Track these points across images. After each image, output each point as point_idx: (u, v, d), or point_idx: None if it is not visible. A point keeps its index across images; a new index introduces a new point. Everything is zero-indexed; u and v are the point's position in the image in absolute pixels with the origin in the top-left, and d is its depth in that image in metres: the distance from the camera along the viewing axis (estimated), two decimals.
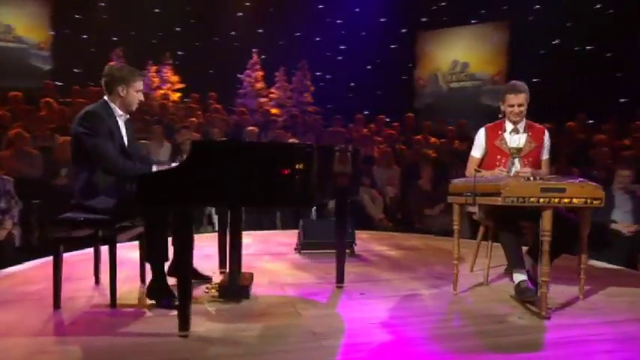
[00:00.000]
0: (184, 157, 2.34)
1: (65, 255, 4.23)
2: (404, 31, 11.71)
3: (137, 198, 2.33)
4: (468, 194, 2.96)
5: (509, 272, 3.42)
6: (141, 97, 3.00)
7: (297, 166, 2.33)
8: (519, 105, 3.32)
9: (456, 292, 3.18)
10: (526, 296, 2.93)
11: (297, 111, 10.13)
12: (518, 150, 3.41)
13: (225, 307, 2.84)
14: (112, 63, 3.04)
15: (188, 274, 2.41)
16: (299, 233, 4.43)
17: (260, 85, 10.26)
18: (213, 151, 2.32)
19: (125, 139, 3.01)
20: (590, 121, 8.49)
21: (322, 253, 4.24)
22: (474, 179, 2.95)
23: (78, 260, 4.03)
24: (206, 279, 3.35)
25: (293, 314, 2.76)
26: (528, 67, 10.04)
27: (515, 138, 3.42)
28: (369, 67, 12.12)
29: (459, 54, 10.85)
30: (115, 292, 2.82)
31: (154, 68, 11.54)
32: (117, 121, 2.96)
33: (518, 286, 3.01)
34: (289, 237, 4.80)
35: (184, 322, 2.40)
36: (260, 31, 12.44)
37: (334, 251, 4.06)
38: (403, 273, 3.73)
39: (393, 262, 4.12)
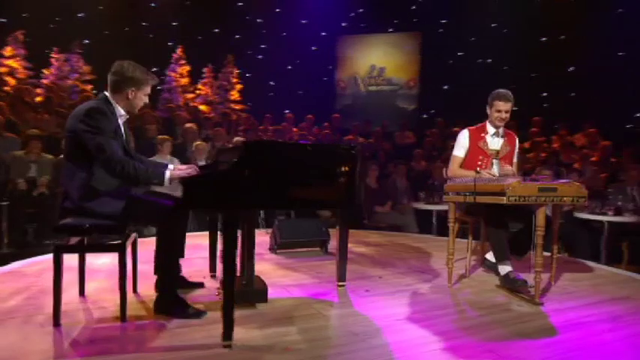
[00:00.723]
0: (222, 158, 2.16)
1: (19, 264, 3.76)
2: (324, 34, 11.86)
3: (184, 201, 2.12)
4: (467, 193, 3.12)
5: (490, 265, 3.68)
6: (147, 100, 2.72)
7: (344, 168, 2.29)
8: (506, 112, 3.55)
9: (451, 284, 3.34)
10: (517, 285, 3.17)
11: (223, 108, 9.79)
12: (497, 152, 3.66)
13: (246, 313, 2.69)
14: (122, 61, 2.66)
15: (233, 280, 2.25)
16: (273, 233, 4.33)
17: (185, 80, 9.72)
18: (267, 152, 2.19)
19: (124, 139, 2.71)
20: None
21: (298, 252, 4.19)
22: (474, 180, 3.11)
23: (41, 270, 3.57)
24: (197, 286, 3.14)
25: (317, 316, 2.70)
26: (438, 75, 10.79)
27: (495, 141, 3.67)
28: (289, 67, 12.09)
29: (377, 59, 11.27)
30: (126, 305, 2.54)
31: (59, 56, 10.41)
32: (118, 121, 2.65)
33: (508, 277, 3.25)
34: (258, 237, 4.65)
35: (229, 331, 2.24)
36: (175, 23, 11.83)
37: (309, 250, 4.05)
38: (387, 269, 3.82)
39: (369, 258, 4.20)
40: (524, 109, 10.09)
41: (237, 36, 12.14)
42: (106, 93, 2.67)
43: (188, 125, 7.18)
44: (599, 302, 3.04)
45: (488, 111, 3.66)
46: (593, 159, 6.97)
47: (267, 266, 3.79)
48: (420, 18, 11.05)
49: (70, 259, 3.81)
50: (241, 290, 2.83)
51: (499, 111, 3.56)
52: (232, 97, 10.09)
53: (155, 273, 2.64)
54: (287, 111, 9.87)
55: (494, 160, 3.65)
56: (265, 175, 2.15)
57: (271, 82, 12.02)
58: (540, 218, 2.94)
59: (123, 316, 2.52)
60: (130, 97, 2.61)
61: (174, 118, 8.03)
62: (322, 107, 10.87)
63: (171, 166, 2.67)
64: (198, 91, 9.93)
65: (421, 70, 11.04)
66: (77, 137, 2.50)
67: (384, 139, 8.84)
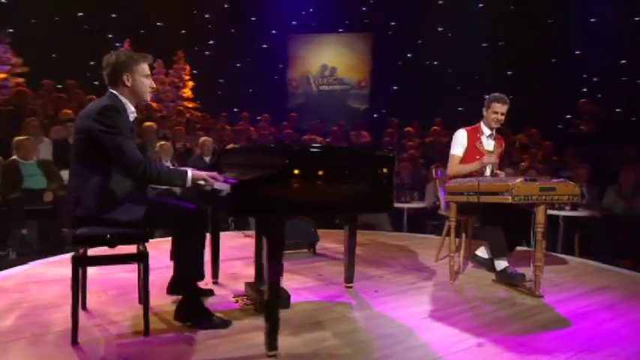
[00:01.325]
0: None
1: None
2: (274, 32, 11.73)
3: (230, 207, 2.02)
4: (471, 193, 3.23)
5: (481, 261, 3.84)
6: (151, 83, 2.55)
7: (384, 171, 2.29)
8: (502, 114, 3.71)
9: (452, 281, 3.44)
10: (515, 280, 3.34)
11: (175, 106, 9.40)
12: (491, 153, 3.81)
13: None
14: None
15: (278, 288, 2.18)
16: None
17: None
18: (315, 156, 2.14)
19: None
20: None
21: (286, 254, 4.14)
22: (478, 180, 3.23)
23: (22, 284, 3.26)
24: (207, 294, 3.02)
25: (343, 319, 2.67)
26: (388, 76, 11.06)
27: (490, 142, 3.82)
28: (238, 65, 11.84)
29: (328, 59, 11.33)
30: (148, 318, 2.37)
31: None
32: (129, 119, 2.47)
33: (505, 271, 3.41)
34: (236, 239, 4.55)
35: (273, 341, 2.16)
36: (114, 15, 11.20)
37: (297, 252, 4.02)
38: (383, 268, 3.86)
39: (360, 258, 4.19)
40: (471, 110, 10.70)
41: (183, 31, 11.71)
42: (111, 90, 2.48)
43: (147, 124, 6.83)
44: (588, 292, 3.27)
45: (484, 112, 3.80)
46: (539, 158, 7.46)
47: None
48: (371, 19, 11.25)
49: (57, 270, 3.55)
50: (263, 297, 2.73)
51: (496, 112, 3.71)
52: (184, 95, 9.69)
53: (174, 282, 2.50)
54: (236, 109, 9.67)
55: (489, 155, 3.80)
56: (316, 179, 2.10)
57: (220, 80, 11.72)
58: (540, 216, 3.12)
59: (146, 330, 2.36)
60: (127, 83, 2.42)
61: None
62: (274, 106, 10.76)
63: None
64: None
65: (372, 71, 11.24)
66: (91, 138, 2.30)
67: (341, 139, 8.91)
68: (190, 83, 9.82)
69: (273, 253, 2.11)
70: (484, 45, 10.97)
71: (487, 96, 3.83)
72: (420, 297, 3.10)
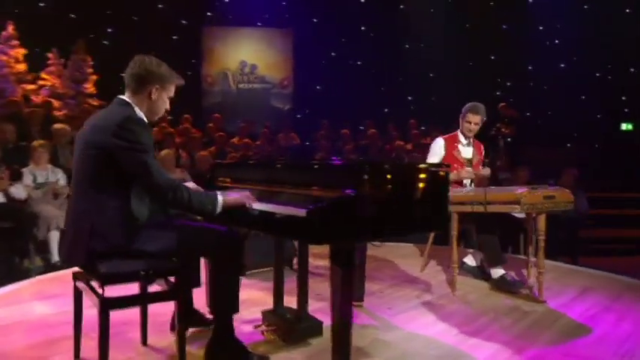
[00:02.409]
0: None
1: None
2: (185, 22, 11.21)
3: (315, 235, 1.91)
4: (477, 203, 3.40)
5: (469, 269, 4.05)
6: (168, 105, 2.35)
7: (442, 186, 2.34)
8: (475, 123, 3.95)
9: (454, 292, 3.60)
10: (515, 287, 3.59)
11: (76, 104, 8.55)
12: (469, 160, 4.04)
13: (311, 351, 2.53)
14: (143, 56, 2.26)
15: (351, 317, 2.11)
16: None
17: (22, 66, 8.16)
18: (389, 173, 2.10)
19: None
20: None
21: (262, 272, 4.03)
22: (485, 190, 3.41)
23: None
24: (206, 323, 2.82)
25: (381, 343, 2.68)
26: (312, 75, 11.16)
27: (467, 150, 4.05)
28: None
29: (247, 55, 11.10)
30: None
31: None
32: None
33: (503, 279, 3.65)
34: None
35: None
36: None
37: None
38: (375, 282, 3.91)
39: None
40: (395, 111, 11.22)
41: (72, 15, 10.70)
42: (123, 97, 2.23)
43: (59, 126, 6.15)
44: (579, 295, 3.62)
45: (460, 121, 4.02)
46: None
47: (255, 293, 3.54)
48: (291, 15, 11.25)
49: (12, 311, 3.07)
50: (294, 327, 2.63)
51: (469, 122, 3.97)
52: (88, 91, 8.85)
53: (212, 311, 2.31)
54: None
55: (468, 168, 4.03)
56: (396, 198, 2.08)
57: (122, 74, 10.89)
58: (542, 223, 3.39)
59: None
60: (153, 96, 2.23)
61: (24, 116, 6.76)
62: (187, 105, 10.27)
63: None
64: (41, 82, 8.46)
65: (294, 70, 11.26)
66: (109, 155, 2.04)
67: (269, 142, 8.82)
68: (94, 77, 8.99)
69: (348, 280, 2.05)
70: (407, 46, 11.56)
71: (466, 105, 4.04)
72: (436, 312, 3.20)
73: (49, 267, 4.60)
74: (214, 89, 10.88)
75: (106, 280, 1.97)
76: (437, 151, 3.99)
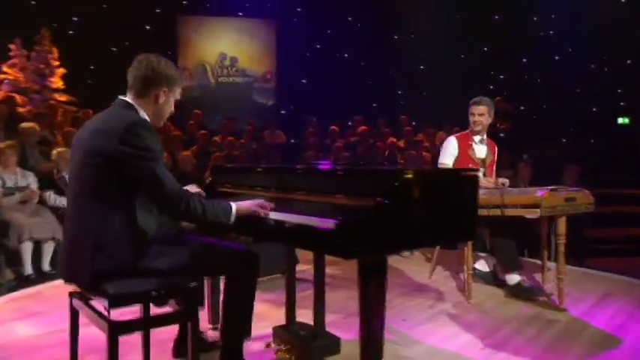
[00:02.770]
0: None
1: None
2: (159, 11, 10.99)
3: (335, 248, 1.85)
4: (493, 206, 3.37)
5: (480, 274, 4.04)
6: (172, 107, 2.26)
7: (474, 193, 2.29)
8: (480, 114, 3.90)
9: (470, 300, 3.57)
10: (533, 294, 3.58)
11: (41, 98, 8.28)
12: (483, 161, 4.01)
13: None
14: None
15: (382, 339, 2.04)
16: None
17: None
18: (426, 180, 2.05)
19: None
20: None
21: (262, 281, 3.95)
22: (501, 192, 3.38)
23: None
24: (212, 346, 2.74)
25: (402, 359, 2.63)
26: (296, 69, 11.07)
27: (481, 149, 4.01)
28: (114, 48, 10.86)
29: (227, 47, 10.94)
30: None
31: None
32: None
33: (520, 286, 3.64)
34: None
35: None
36: None
37: (270, 278, 3.88)
38: None
39: (346, 280, 4.14)
40: (385, 106, 11.20)
41: (33, 2, 10.39)
42: (126, 98, 2.13)
43: (26, 125, 5.94)
44: (600, 302, 3.63)
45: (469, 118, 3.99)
46: None
47: (262, 306, 3.44)
48: (274, 4, 11.14)
49: None
50: (310, 345, 2.55)
51: (472, 114, 3.93)
52: (54, 85, 8.58)
53: (223, 333, 2.22)
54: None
55: (481, 169, 4.00)
56: (431, 206, 2.03)
57: (91, 67, 10.65)
58: (562, 227, 3.39)
59: None
60: (160, 100, 2.13)
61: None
62: None
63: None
64: (2, 75, 8.17)
65: (278, 62, 11.15)
66: (113, 164, 1.93)
67: (254, 139, 8.70)
68: (61, 70, 8.71)
69: (380, 292, 2.00)
70: (395, 38, 11.56)
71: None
72: (454, 323, 3.17)
73: (23, 281, 4.44)
74: (192, 83, 10.69)
75: (115, 302, 1.86)
76: (451, 152, 3.95)
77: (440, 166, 3.98)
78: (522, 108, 11.27)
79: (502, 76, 11.76)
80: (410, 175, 2.00)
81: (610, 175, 8.87)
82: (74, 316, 2.23)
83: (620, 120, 11.26)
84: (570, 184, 6.15)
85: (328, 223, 1.91)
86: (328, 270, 4.15)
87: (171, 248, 2.06)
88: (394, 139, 8.62)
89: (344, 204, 2.10)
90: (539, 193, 3.28)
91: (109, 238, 1.94)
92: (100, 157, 1.95)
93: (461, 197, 2.20)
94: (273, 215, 2.19)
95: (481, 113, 3.93)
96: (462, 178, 2.25)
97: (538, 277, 4.09)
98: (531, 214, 3.30)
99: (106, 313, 1.94)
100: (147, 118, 2.12)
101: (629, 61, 11.01)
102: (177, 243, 2.11)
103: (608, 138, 10.44)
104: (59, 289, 3.81)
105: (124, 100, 2.12)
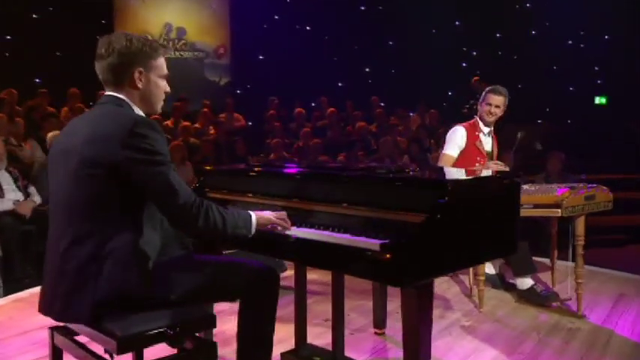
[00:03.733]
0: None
1: None
2: None
3: (383, 274, 1.77)
4: None
5: (491, 277, 4.06)
6: (167, 86, 2.06)
7: (516, 202, 2.26)
8: (496, 106, 3.87)
9: (482, 309, 3.58)
10: (549, 300, 3.63)
11: None
12: (490, 154, 4.01)
13: None
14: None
15: None
16: None
17: None
18: (475, 192, 2.00)
19: None
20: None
21: None
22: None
23: None
24: None
25: None
26: (252, 42, 10.78)
27: (488, 141, 4.00)
28: (35, 15, 10.18)
29: (173, 17, 10.47)
30: None
31: None
32: None
33: (533, 291, 3.69)
34: None
35: None
36: None
37: None
38: (389, 299, 3.80)
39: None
40: (352, 85, 11.13)
41: None
42: (113, 93, 1.95)
43: None
44: (617, 304, 3.75)
45: (479, 107, 3.95)
46: None
47: None
48: None
49: None
50: None
51: (489, 104, 3.87)
52: None
53: None
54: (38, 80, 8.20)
55: (489, 161, 3.99)
56: (476, 222, 1.98)
57: (7, 37, 9.96)
58: (581, 227, 3.43)
59: None
60: (138, 83, 1.92)
61: None
62: (97, 77, 9.59)
63: None
64: None
65: (232, 35, 10.83)
66: (116, 174, 1.77)
67: (210, 124, 8.45)
68: None
69: (430, 323, 1.94)
70: (362, 9, 11.47)
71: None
72: (471, 336, 3.18)
73: None
74: None
75: (125, 345, 1.70)
76: (458, 142, 3.90)
77: (443, 157, 3.94)
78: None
79: (475, 53, 11.93)
80: (458, 187, 1.95)
81: (592, 159, 9.13)
82: (56, 355, 2.06)
83: (597, 100, 11.63)
84: (555, 173, 6.32)
85: (370, 244, 1.83)
86: (313, 276, 4.09)
87: (181, 272, 1.93)
88: (363, 123, 8.56)
89: (379, 218, 2.01)
90: (559, 191, 3.31)
91: (114, 264, 1.78)
92: (100, 166, 1.77)
93: (504, 207, 2.18)
94: (295, 232, 2.07)
95: (498, 104, 3.87)
96: (505, 185, 2.20)
97: (545, 277, 4.14)
98: (551, 215, 3.32)
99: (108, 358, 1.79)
100: (141, 112, 1.95)
101: (606, 37, 11.37)
102: (188, 265, 1.99)
103: (585, 119, 10.78)
104: None
105: (113, 96, 1.93)
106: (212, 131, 8.18)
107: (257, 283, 2.04)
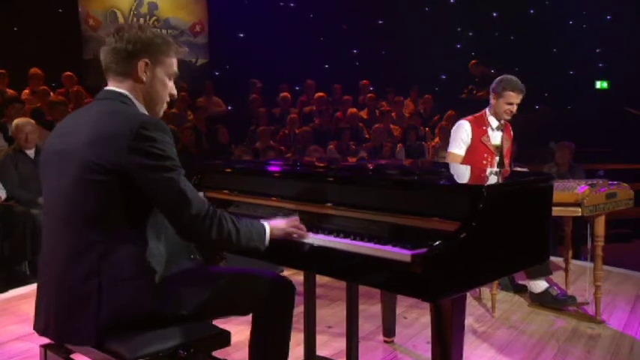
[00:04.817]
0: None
1: None
2: None
3: (419, 286, 1.73)
4: None
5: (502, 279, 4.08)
6: (173, 88, 2.01)
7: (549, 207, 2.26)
8: (517, 104, 3.76)
9: (495, 314, 3.60)
10: (565, 304, 3.66)
11: None
12: (499, 147, 3.98)
13: None
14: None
15: None
16: None
17: None
18: (511, 196, 1.98)
19: None
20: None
21: None
22: None
23: None
24: None
25: None
26: (232, 19, 10.61)
27: (497, 135, 3.96)
28: None
29: None
30: None
31: None
32: None
33: (548, 294, 3.70)
34: None
35: None
36: None
37: None
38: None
39: (338, 290, 4.05)
40: (339, 66, 11.05)
41: None
42: (114, 88, 1.87)
43: None
44: (635, 307, 3.80)
45: (492, 100, 3.84)
46: None
47: None
48: None
49: None
50: None
51: (510, 104, 3.71)
52: None
53: None
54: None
55: (496, 158, 3.97)
56: (513, 228, 1.98)
57: None
58: (601, 227, 3.45)
59: None
60: (142, 75, 1.85)
61: None
62: (62, 56, 9.39)
63: None
64: None
65: (209, 11, 10.66)
66: (121, 180, 1.70)
67: (188, 109, 8.33)
68: None
69: (462, 339, 1.92)
70: None
71: (499, 78, 3.86)
72: (486, 343, 3.20)
73: None
74: (98, 35, 9.99)
75: None
76: (463, 139, 3.84)
77: (449, 156, 3.90)
78: (492, 71, 11.48)
79: (470, 33, 11.94)
80: (494, 191, 1.92)
81: (600, 148, 9.21)
82: None
83: (599, 84, 11.72)
84: (565, 164, 6.36)
85: (399, 254, 1.79)
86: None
87: (190, 285, 1.89)
88: (355, 110, 8.52)
89: (406, 225, 1.97)
90: (580, 189, 3.32)
91: (118, 278, 1.72)
92: (103, 171, 1.69)
93: (539, 211, 2.16)
94: (312, 239, 2.03)
95: (519, 103, 3.79)
96: (541, 188, 2.19)
97: (557, 277, 4.17)
98: (571, 214, 3.33)
99: None
100: (144, 111, 1.88)
101: (609, 17, 11.46)
102: (195, 277, 1.95)
103: (586, 104, 10.84)
104: None
105: (114, 91, 1.85)
106: (190, 117, 8.09)
107: (274, 297, 2.00)
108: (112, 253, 1.72)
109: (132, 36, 1.82)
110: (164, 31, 10.34)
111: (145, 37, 1.84)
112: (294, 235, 2.01)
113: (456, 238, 1.77)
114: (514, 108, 3.77)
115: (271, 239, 1.96)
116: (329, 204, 2.17)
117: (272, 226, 1.97)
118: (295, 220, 2.06)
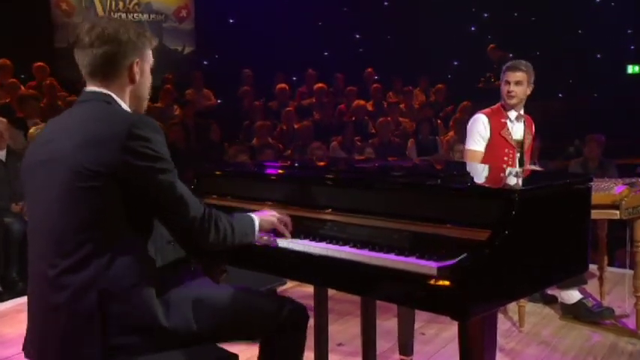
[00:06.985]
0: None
1: None
2: None
3: (447, 303, 1.73)
4: None
5: None
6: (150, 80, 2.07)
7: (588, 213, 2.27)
8: (516, 82, 3.77)
9: (523, 328, 3.61)
10: (604, 316, 3.67)
11: None
12: (521, 143, 3.96)
13: None
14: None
15: None
16: None
17: None
18: (545, 202, 1.99)
19: None
20: None
21: None
22: None
23: None
24: None
25: None
26: (220, 3, 10.66)
27: (518, 128, 3.94)
28: None
29: None
30: None
31: None
32: None
33: (583, 305, 3.71)
34: None
35: None
36: None
37: None
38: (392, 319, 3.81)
39: (335, 301, 4.06)
40: (340, 54, 11.07)
41: None
42: (98, 89, 1.89)
43: None
44: None
45: (501, 88, 3.89)
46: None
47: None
48: None
49: None
50: None
51: (507, 83, 3.79)
52: None
53: None
54: None
55: (517, 154, 3.96)
56: (550, 237, 1.99)
57: None
58: (638, 231, 3.46)
59: None
60: (136, 76, 1.92)
61: None
62: (32, 45, 9.40)
63: None
64: None
65: None
66: (114, 184, 1.74)
67: (175, 103, 8.35)
68: None
69: (492, 340, 1.98)
70: None
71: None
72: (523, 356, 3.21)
73: None
74: (72, 21, 10.02)
75: None
76: (481, 134, 3.84)
77: (467, 153, 3.91)
78: (511, 55, 11.48)
79: (486, 14, 11.94)
80: (527, 196, 1.92)
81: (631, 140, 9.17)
82: None
83: (630, 69, 11.67)
84: (594, 159, 6.37)
85: (424, 267, 1.79)
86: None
87: (199, 303, 1.92)
88: (361, 102, 8.53)
89: (429, 234, 1.97)
90: (617, 189, 3.32)
91: (122, 294, 1.75)
92: (98, 176, 1.71)
93: (577, 217, 2.17)
94: (327, 250, 2.03)
95: (518, 81, 3.79)
96: (578, 191, 2.19)
97: (590, 286, 4.17)
98: (608, 217, 3.34)
99: None
100: (128, 109, 1.93)
101: None
102: (202, 294, 1.98)
103: (617, 91, 10.79)
104: None
105: (97, 92, 1.88)
106: (177, 112, 8.10)
107: (288, 324, 2.03)
108: (111, 266, 1.74)
109: (120, 35, 1.86)
110: (145, 16, 10.54)
111: (132, 34, 1.90)
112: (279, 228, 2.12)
113: (487, 247, 1.77)
114: (512, 87, 3.80)
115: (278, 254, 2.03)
116: (342, 211, 2.17)
117: (260, 218, 2.10)
118: (285, 217, 2.17)
